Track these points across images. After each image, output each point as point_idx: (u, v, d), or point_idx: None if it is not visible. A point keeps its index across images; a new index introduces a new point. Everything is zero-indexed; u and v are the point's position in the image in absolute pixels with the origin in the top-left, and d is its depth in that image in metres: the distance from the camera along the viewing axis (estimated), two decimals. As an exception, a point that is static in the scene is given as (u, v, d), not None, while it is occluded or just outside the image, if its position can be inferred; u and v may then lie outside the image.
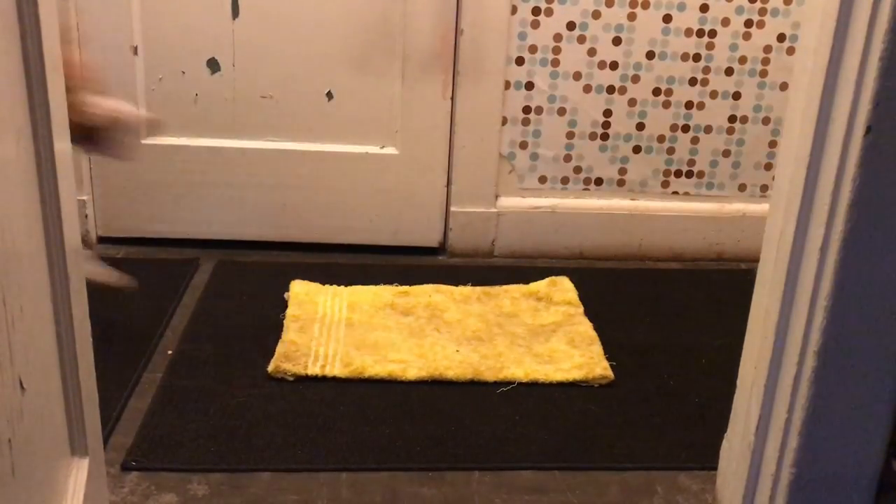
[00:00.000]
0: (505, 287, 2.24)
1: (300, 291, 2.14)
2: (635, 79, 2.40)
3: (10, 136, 0.88)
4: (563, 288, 2.22)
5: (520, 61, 2.37)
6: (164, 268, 2.32)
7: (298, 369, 1.84)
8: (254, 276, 2.29)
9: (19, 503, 0.86)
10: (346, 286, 2.20)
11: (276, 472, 1.57)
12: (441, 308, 2.11)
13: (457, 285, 2.23)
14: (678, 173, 2.51)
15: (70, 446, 1.10)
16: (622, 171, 2.48)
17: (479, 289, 2.22)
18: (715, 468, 1.49)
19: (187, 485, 1.53)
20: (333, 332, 1.98)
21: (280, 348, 1.90)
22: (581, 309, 2.14)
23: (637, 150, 2.47)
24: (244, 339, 1.97)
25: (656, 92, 2.42)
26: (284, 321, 2.01)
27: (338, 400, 1.77)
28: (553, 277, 2.27)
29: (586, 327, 2.05)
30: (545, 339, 2.01)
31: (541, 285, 2.24)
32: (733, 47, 2.39)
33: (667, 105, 2.43)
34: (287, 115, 2.39)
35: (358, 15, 2.32)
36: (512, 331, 2.04)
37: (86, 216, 2.40)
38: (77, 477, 1.10)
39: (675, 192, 2.52)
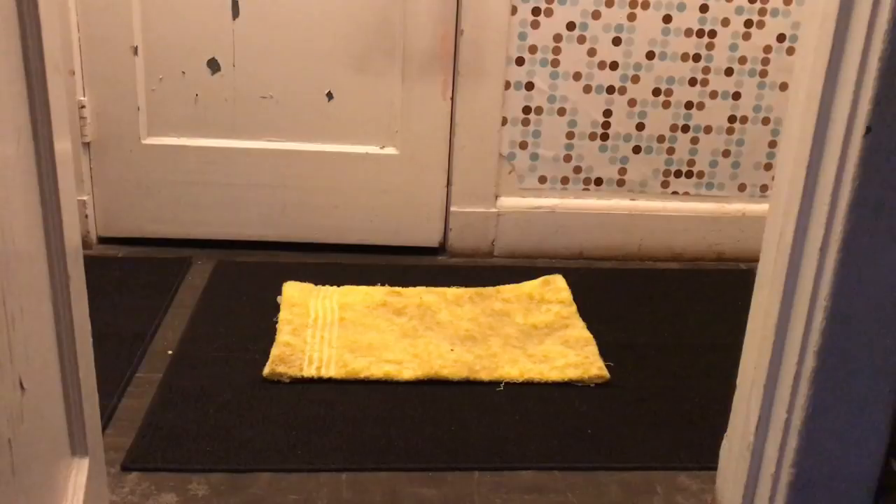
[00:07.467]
0: (497, 287, 2.24)
1: (292, 294, 2.13)
2: (635, 79, 2.40)
3: (10, 136, 0.88)
4: (556, 287, 2.22)
5: (520, 61, 2.37)
6: (156, 267, 2.31)
7: (294, 371, 1.83)
8: (254, 276, 2.28)
9: (19, 503, 0.86)
10: (339, 286, 2.20)
11: (276, 472, 1.57)
12: (433, 309, 2.10)
13: (457, 286, 2.23)
14: (678, 173, 2.51)
15: (70, 446, 1.10)
16: (622, 172, 2.48)
17: (471, 290, 2.21)
18: (715, 468, 1.48)
19: (187, 485, 1.53)
20: (327, 333, 1.98)
21: (275, 351, 1.89)
22: (574, 308, 2.14)
23: (637, 150, 2.46)
24: (244, 339, 1.97)
25: (656, 92, 2.42)
26: (277, 324, 2.01)
27: (336, 400, 1.77)
28: (546, 277, 2.27)
29: (580, 327, 2.05)
30: (539, 340, 2.00)
31: (534, 285, 2.23)
32: (733, 47, 2.39)
33: (667, 105, 2.43)
34: (287, 115, 2.39)
35: (358, 15, 2.32)
36: (505, 331, 2.03)
37: (86, 216, 2.39)
38: (77, 477, 1.10)
39: (675, 192, 2.52)
